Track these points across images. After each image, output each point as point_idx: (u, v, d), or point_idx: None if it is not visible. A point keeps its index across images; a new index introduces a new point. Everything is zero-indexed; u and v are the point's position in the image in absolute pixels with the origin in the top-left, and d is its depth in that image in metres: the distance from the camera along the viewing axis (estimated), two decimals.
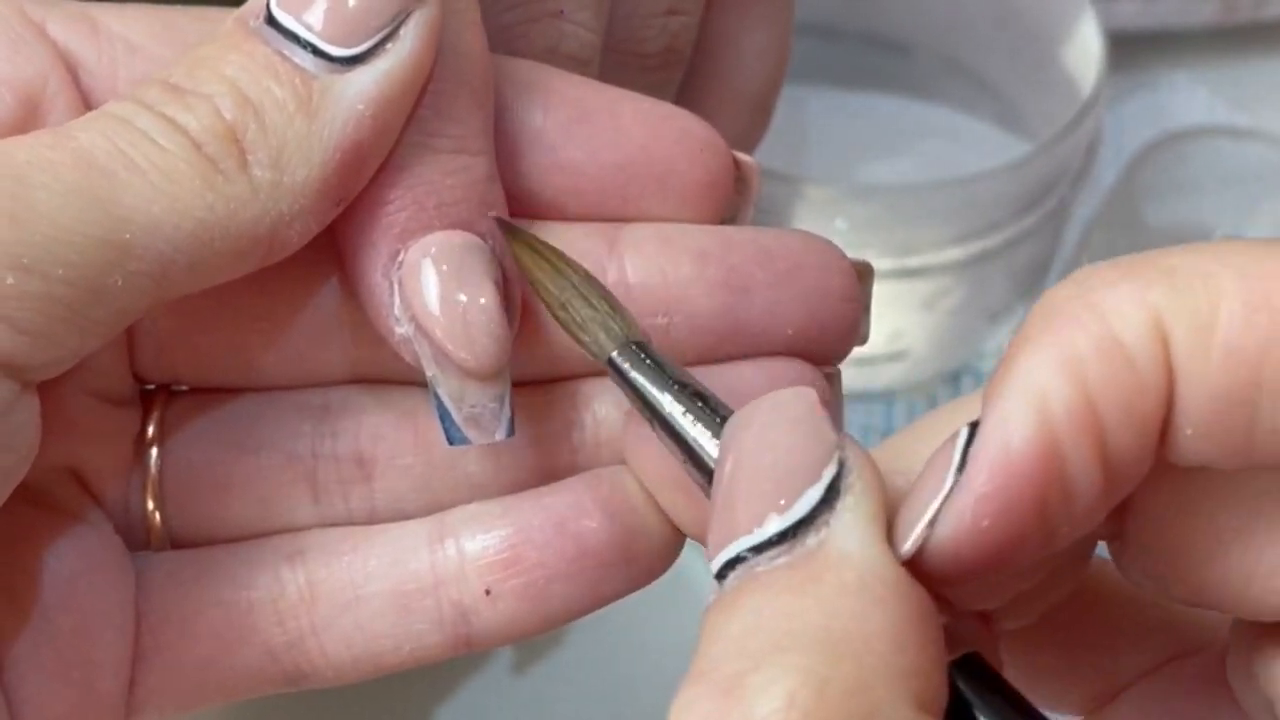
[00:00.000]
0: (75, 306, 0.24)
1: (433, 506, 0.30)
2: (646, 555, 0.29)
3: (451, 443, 0.27)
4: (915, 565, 0.23)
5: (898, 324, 0.62)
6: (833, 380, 0.30)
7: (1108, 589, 0.28)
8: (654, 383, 0.26)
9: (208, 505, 0.30)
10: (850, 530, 0.22)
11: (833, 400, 0.30)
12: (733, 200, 0.30)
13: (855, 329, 0.30)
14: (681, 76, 0.39)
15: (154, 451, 0.30)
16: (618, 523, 0.28)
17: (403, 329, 0.27)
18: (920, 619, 0.22)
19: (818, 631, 0.21)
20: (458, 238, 0.27)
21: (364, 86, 0.26)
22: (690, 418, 0.26)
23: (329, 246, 0.28)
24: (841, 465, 0.23)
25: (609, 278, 0.29)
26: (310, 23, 0.26)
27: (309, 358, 0.29)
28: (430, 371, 0.27)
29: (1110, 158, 0.71)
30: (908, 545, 0.23)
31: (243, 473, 0.29)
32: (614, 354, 0.27)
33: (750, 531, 0.22)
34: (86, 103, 0.27)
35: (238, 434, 0.30)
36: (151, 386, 0.30)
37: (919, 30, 0.72)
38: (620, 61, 0.37)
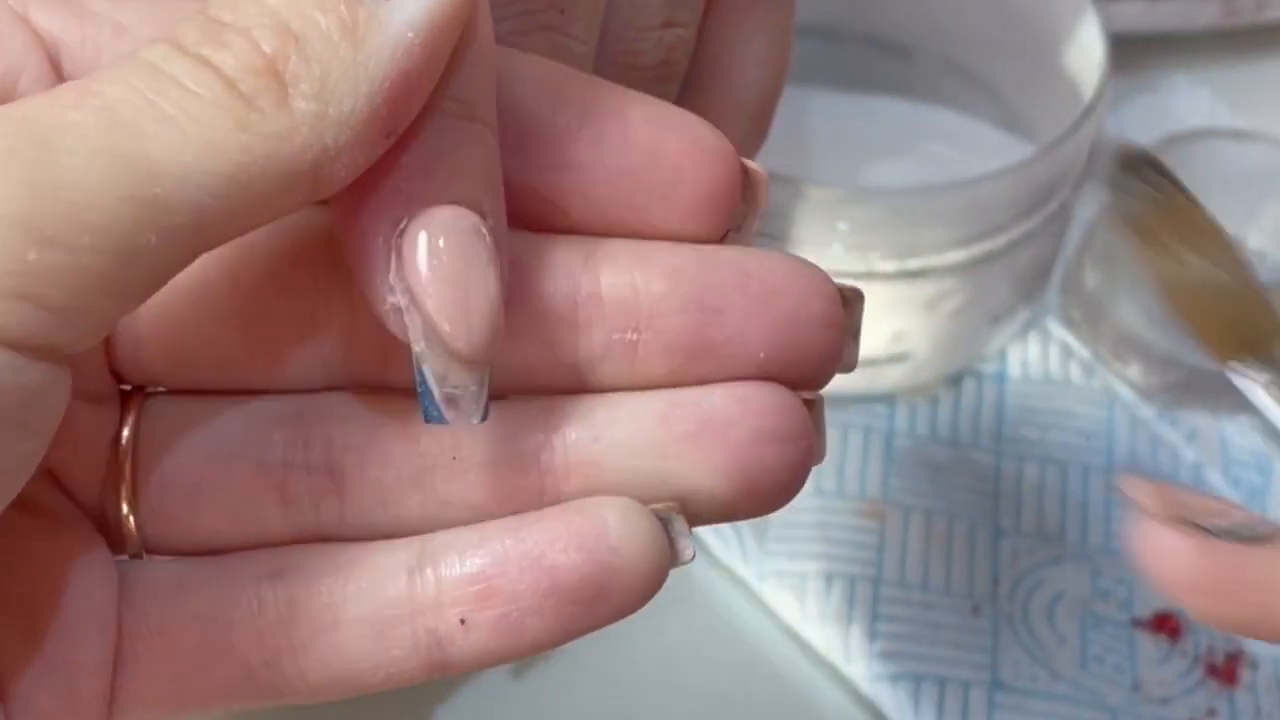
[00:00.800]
0: (106, 273, 0.23)
1: (402, 520, 0.29)
2: (622, 591, 0.29)
3: (428, 420, 0.27)
4: None
5: (899, 326, 0.62)
6: (813, 406, 0.30)
7: None
8: None
9: (180, 512, 0.29)
10: None
11: (813, 426, 0.29)
12: (739, 209, 0.30)
13: (835, 356, 0.29)
14: (678, 88, 0.39)
15: (128, 456, 0.29)
16: (593, 559, 0.28)
17: (394, 298, 0.26)
18: None
19: None
20: (465, 218, 0.26)
21: (413, 13, 0.25)
22: None
23: (309, 245, 0.27)
24: None
25: (582, 289, 0.28)
26: None
27: (287, 359, 0.29)
28: (417, 346, 0.26)
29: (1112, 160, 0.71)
30: None
31: (213, 480, 0.29)
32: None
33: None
34: None
35: (210, 441, 0.29)
36: (128, 387, 0.30)
37: (921, 32, 0.72)
38: (616, 74, 0.37)
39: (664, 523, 0.29)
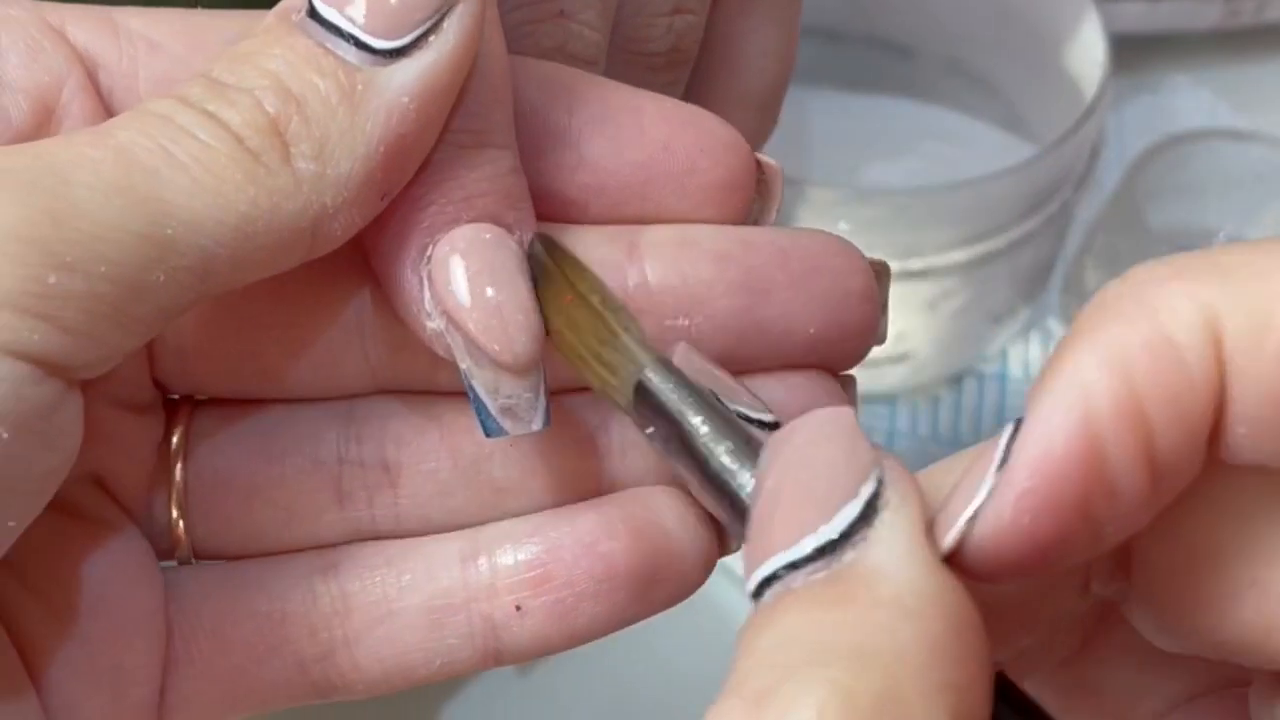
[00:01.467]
0: (118, 304, 0.24)
1: (458, 512, 0.30)
2: (675, 577, 0.29)
3: (488, 434, 0.27)
4: (957, 564, 0.22)
5: (901, 326, 0.62)
6: (848, 386, 0.30)
7: (1129, 631, 0.27)
8: (683, 404, 0.26)
9: (233, 513, 0.30)
10: (886, 544, 0.22)
11: (850, 404, 0.30)
12: (756, 203, 0.30)
13: (874, 328, 0.30)
14: (688, 76, 0.39)
15: (179, 461, 0.30)
16: (646, 544, 0.29)
17: (434, 323, 0.27)
18: (960, 632, 0.21)
19: (850, 645, 0.21)
20: (486, 232, 0.27)
21: (407, 79, 0.26)
22: (716, 439, 0.26)
23: (348, 256, 0.28)
24: (880, 482, 0.22)
25: (629, 282, 0.29)
26: (353, 15, 0.26)
27: (330, 367, 0.29)
28: (464, 364, 0.27)
29: (1113, 160, 0.72)
30: (948, 540, 0.22)
31: (267, 479, 0.29)
32: (642, 376, 0.27)
33: (787, 548, 0.22)
34: (106, 104, 0.27)
35: (262, 441, 0.30)
36: (175, 397, 0.30)
37: (922, 33, 0.72)
38: (626, 61, 0.37)
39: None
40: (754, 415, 0.27)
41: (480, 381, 0.27)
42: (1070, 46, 0.66)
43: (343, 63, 0.26)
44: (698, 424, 0.26)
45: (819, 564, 0.22)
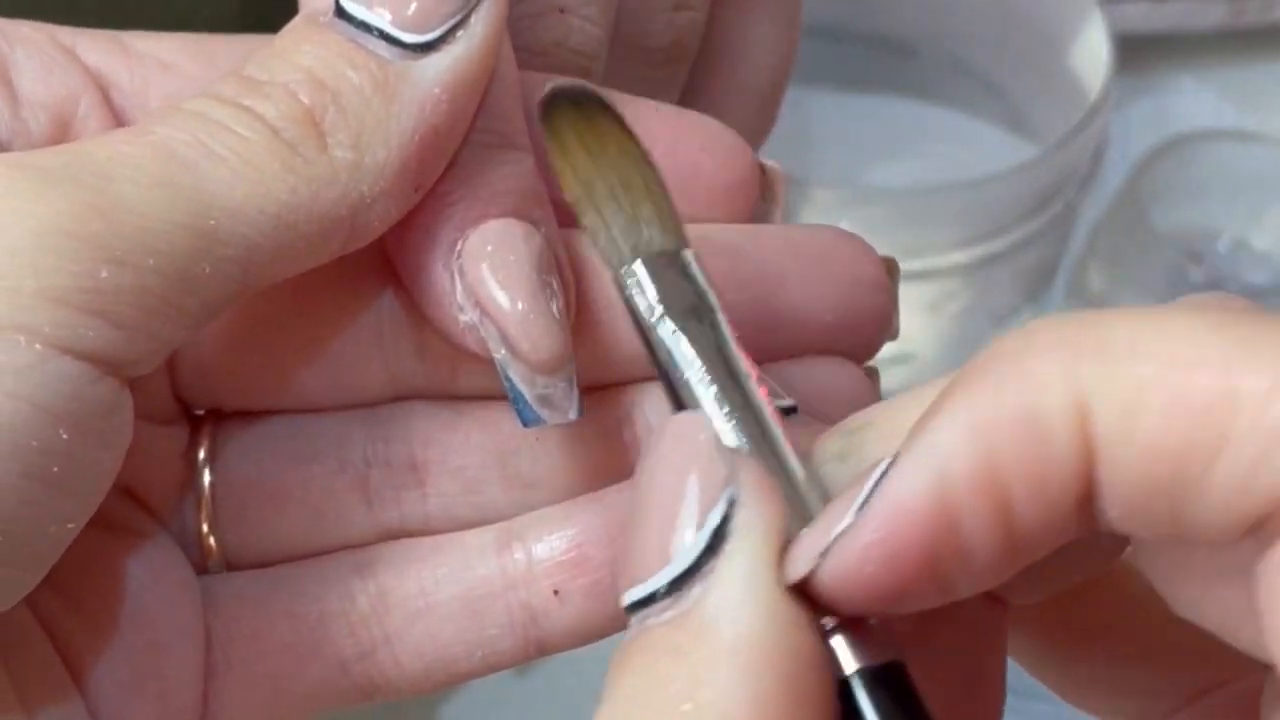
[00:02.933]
0: (167, 297, 0.24)
1: (486, 508, 0.30)
2: None
3: (525, 424, 0.27)
4: (806, 586, 0.22)
5: (903, 327, 0.62)
6: (874, 378, 0.30)
7: (1149, 602, 0.26)
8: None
9: (262, 519, 0.30)
10: (726, 584, 0.22)
11: (874, 398, 0.30)
12: (759, 207, 0.30)
13: (889, 317, 0.30)
14: (687, 72, 0.39)
15: (206, 473, 0.30)
16: None
17: (466, 316, 0.27)
18: (796, 679, 0.21)
19: (683, 704, 0.21)
20: (516, 226, 0.27)
21: (439, 71, 0.26)
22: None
23: (363, 264, 0.28)
24: (731, 503, 0.22)
25: None
26: (381, 12, 0.26)
27: (350, 377, 0.30)
28: (499, 354, 0.27)
29: (1117, 161, 0.71)
30: (792, 571, 0.22)
31: (295, 484, 0.29)
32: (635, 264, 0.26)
33: (642, 580, 0.22)
34: (119, 122, 0.28)
35: (288, 447, 0.30)
36: (200, 412, 0.30)
37: (925, 32, 0.72)
38: (626, 56, 0.37)
39: None
40: (779, 404, 0.27)
41: (517, 371, 0.27)
42: (1074, 46, 0.66)
43: (375, 56, 0.26)
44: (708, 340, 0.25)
45: (668, 601, 0.22)
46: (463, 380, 0.29)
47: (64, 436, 0.23)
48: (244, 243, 0.24)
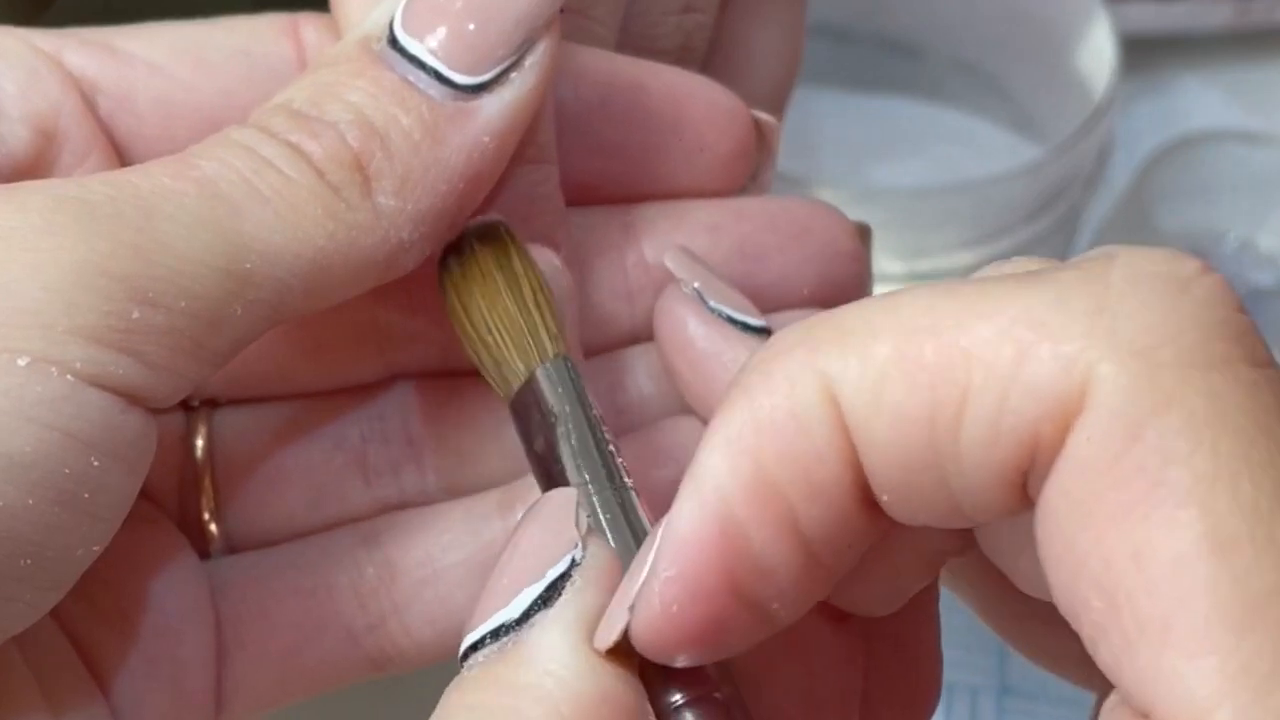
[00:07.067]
0: (196, 338, 0.24)
1: (485, 479, 0.30)
2: None
3: None
4: (628, 645, 0.22)
5: None
6: None
7: None
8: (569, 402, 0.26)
9: (262, 501, 0.30)
10: (542, 628, 0.22)
11: None
12: (753, 159, 0.30)
13: (863, 286, 0.31)
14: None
15: (205, 459, 0.30)
16: (681, 470, 0.29)
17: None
18: (598, 715, 0.21)
19: None
20: (543, 257, 0.27)
21: (489, 117, 0.26)
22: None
23: None
24: (572, 564, 0.23)
25: (628, 260, 0.29)
26: (434, 48, 0.26)
27: (345, 362, 0.30)
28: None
29: (1122, 161, 0.71)
30: (602, 636, 0.22)
31: (293, 464, 0.30)
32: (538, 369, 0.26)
33: (477, 627, 0.23)
34: (107, 127, 0.28)
35: (285, 428, 0.30)
36: (195, 404, 0.30)
37: (931, 33, 0.71)
38: (634, 57, 0.37)
39: None
40: (746, 320, 0.28)
41: None
42: (1079, 47, 0.66)
43: (426, 98, 0.25)
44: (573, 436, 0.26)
45: (494, 646, 0.22)
46: (457, 362, 0.29)
47: (95, 464, 0.23)
48: (277, 285, 0.24)
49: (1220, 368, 0.19)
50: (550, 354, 0.26)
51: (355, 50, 0.26)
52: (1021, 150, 0.67)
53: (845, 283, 0.30)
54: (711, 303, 0.28)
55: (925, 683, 0.27)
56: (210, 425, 0.30)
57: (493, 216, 0.28)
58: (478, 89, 0.26)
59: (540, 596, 0.22)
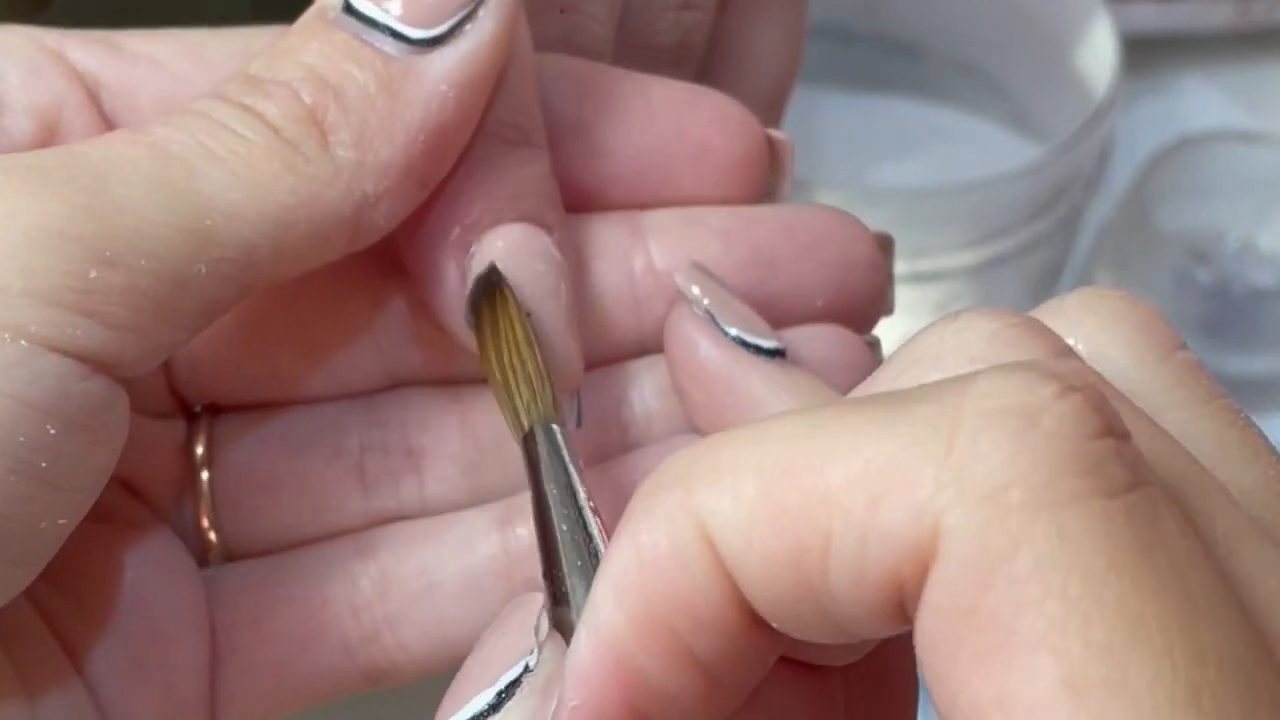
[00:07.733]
0: (160, 298, 0.24)
1: (483, 491, 0.30)
2: None
3: None
4: None
5: (909, 328, 0.62)
6: (875, 349, 0.30)
7: None
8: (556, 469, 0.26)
9: (261, 510, 0.30)
10: None
11: (872, 365, 0.30)
12: (767, 178, 0.30)
13: (882, 296, 0.30)
14: (694, 74, 0.39)
15: (204, 468, 0.30)
16: None
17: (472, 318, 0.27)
18: None
19: None
20: (537, 237, 0.27)
21: (446, 66, 0.26)
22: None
23: (356, 256, 0.28)
24: (525, 670, 0.23)
25: (636, 267, 0.29)
26: (389, 7, 0.26)
27: (345, 368, 0.30)
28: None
29: (1123, 162, 0.71)
30: None
31: (292, 473, 0.30)
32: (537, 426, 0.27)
33: None
34: (110, 122, 0.28)
35: (284, 436, 0.30)
36: (198, 408, 0.30)
37: (932, 33, 0.71)
38: (632, 55, 0.37)
39: None
40: (759, 343, 0.28)
41: None
42: (1080, 47, 0.66)
43: (380, 53, 0.26)
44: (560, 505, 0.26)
45: None
46: (458, 367, 0.29)
47: (51, 432, 0.23)
48: (242, 244, 0.24)
49: (1069, 505, 0.18)
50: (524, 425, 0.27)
51: (310, 18, 0.26)
52: (1023, 150, 0.67)
53: (862, 294, 0.29)
54: (724, 325, 0.28)
55: (905, 711, 0.27)
56: (211, 432, 0.30)
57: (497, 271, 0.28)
58: (432, 42, 0.26)
59: (490, 704, 0.23)
